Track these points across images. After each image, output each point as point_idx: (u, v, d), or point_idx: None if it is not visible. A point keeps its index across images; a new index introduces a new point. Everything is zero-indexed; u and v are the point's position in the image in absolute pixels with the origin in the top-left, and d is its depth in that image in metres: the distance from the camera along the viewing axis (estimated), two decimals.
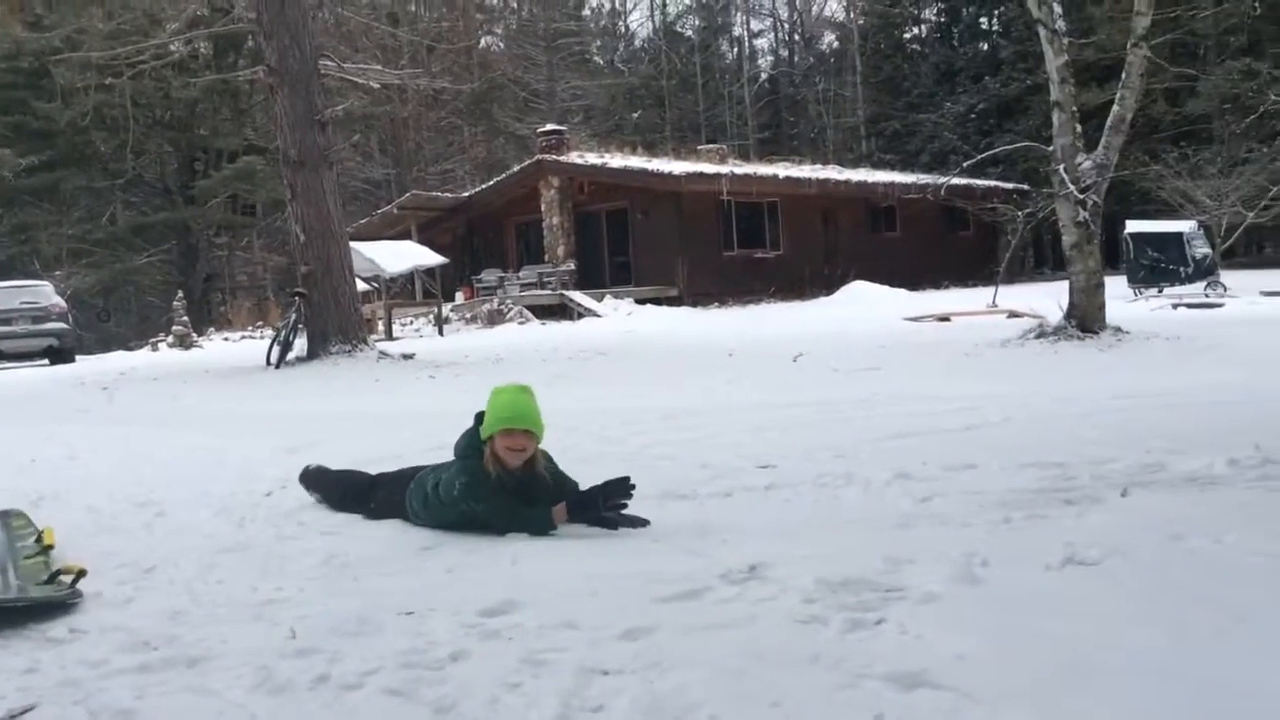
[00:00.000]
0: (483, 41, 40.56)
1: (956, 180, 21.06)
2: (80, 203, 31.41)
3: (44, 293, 20.56)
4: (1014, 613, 2.38)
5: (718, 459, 5.04)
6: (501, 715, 1.99)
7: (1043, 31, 11.77)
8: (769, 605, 2.56)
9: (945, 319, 15.93)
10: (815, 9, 50.60)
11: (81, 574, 3.11)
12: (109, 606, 2.99)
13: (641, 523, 3.62)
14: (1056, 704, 1.89)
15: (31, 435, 8.02)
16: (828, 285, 24.08)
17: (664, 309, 22.13)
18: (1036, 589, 2.58)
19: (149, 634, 2.65)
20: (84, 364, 18.30)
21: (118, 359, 19.77)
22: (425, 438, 6.05)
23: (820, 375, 9.30)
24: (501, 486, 3.67)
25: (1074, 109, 11.76)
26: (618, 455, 5.35)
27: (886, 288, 22.82)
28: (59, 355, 19.31)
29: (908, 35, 43.18)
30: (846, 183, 27.94)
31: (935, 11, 42.22)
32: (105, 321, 31.43)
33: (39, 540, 3.56)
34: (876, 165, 35.18)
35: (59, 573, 3.15)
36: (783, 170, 27.87)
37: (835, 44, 49.39)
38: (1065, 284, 11.89)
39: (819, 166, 31.46)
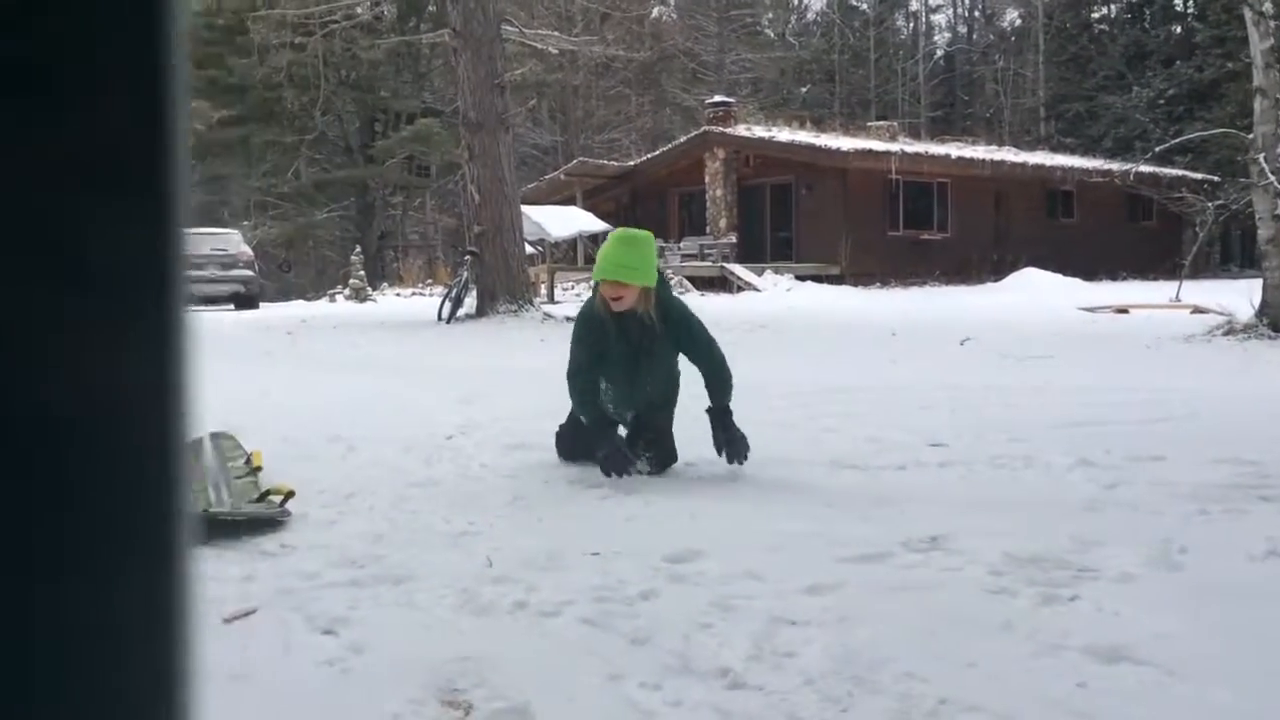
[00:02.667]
0: (655, 11, 40.64)
1: (1143, 167, 20.11)
2: (268, 157, 32.92)
3: (233, 241, 21.71)
4: (1216, 599, 2.32)
5: (886, 434, 5.00)
6: (695, 651, 2.05)
7: (1248, 13, 11.11)
8: (955, 574, 2.56)
9: (1124, 311, 15.29)
10: None
11: (290, 495, 3.32)
12: (315, 527, 3.19)
13: (739, 455, 3.94)
14: (1266, 688, 1.84)
15: (224, 373, 8.54)
16: (997, 270, 23.37)
17: (825, 287, 21.88)
18: (1239, 578, 2.50)
19: (355, 553, 2.82)
20: (267, 311, 19.29)
21: (297, 308, 20.76)
22: None
23: (989, 360, 9.07)
24: (602, 327, 4.07)
25: (1279, 96, 11.09)
26: (781, 424, 5.37)
27: (1060, 276, 21.99)
28: (244, 301, 20.36)
29: (1096, 15, 41.32)
30: (1022, 165, 27.00)
31: None
32: (286, 272, 33.00)
33: (248, 462, 3.81)
34: (1055, 149, 33.84)
35: (268, 493, 3.38)
36: (955, 150, 27.11)
37: (1017, 21, 47.64)
38: (1256, 281, 11.27)
39: (994, 147, 30.47)
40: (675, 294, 4.51)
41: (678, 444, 4.22)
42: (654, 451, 4.13)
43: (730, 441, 4.00)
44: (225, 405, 6.43)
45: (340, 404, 6.33)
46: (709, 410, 4.10)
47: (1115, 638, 2.06)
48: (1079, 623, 2.19)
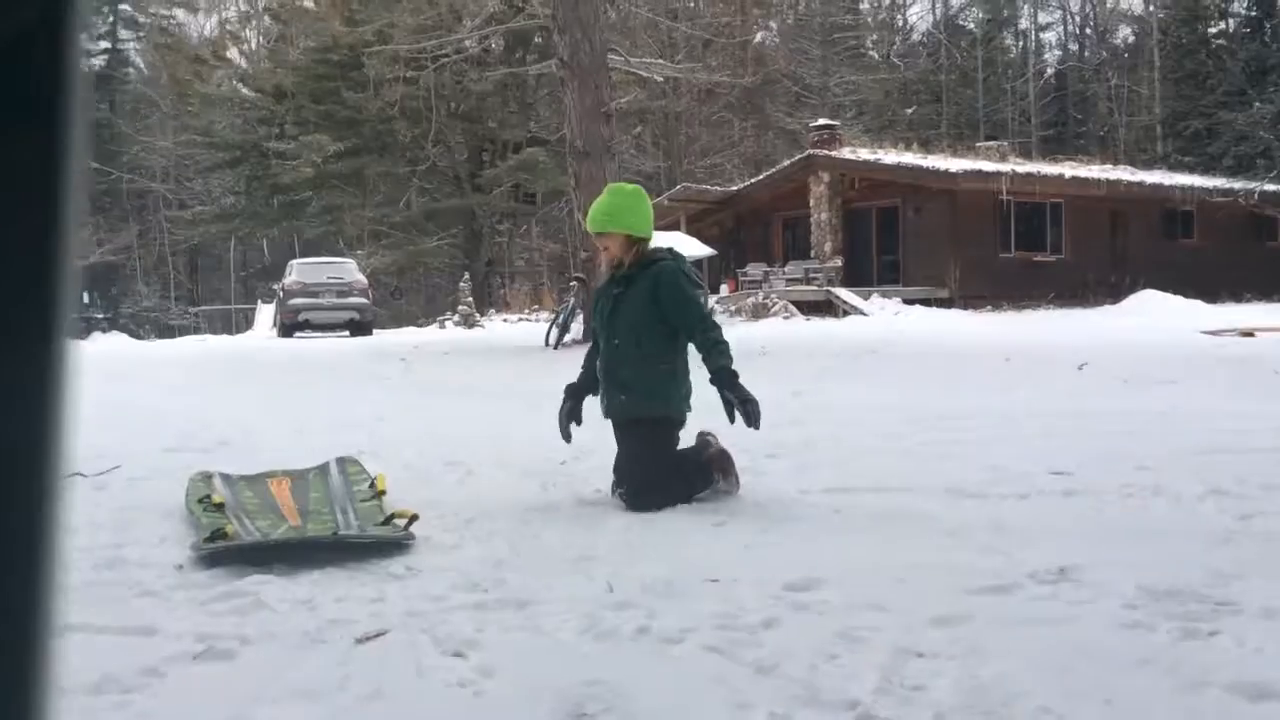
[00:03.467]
0: (759, 36, 40.70)
1: (1268, 186, 19.37)
2: (380, 188, 33.85)
3: (348, 269, 22.35)
4: None
5: (1005, 462, 4.89)
6: (822, 681, 2.04)
7: None
8: (1087, 607, 2.49)
9: (1249, 334, 14.69)
10: (1110, 1, 47.75)
11: (414, 519, 3.40)
12: (438, 550, 3.26)
13: (751, 418, 3.75)
14: None
15: (342, 397, 8.79)
16: (1114, 293, 22.70)
17: (933, 310, 21.53)
18: None
19: (478, 577, 2.88)
20: (380, 337, 19.78)
21: (409, 334, 21.24)
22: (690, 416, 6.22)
23: (1109, 385, 8.82)
24: (599, 293, 4.20)
25: None
26: (896, 451, 5.31)
27: (1180, 298, 21.28)
28: (359, 328, 20.91)
29: (1213, 30, 39.99)
30: (1139, 184, 26.23)
31: (1245, 5, 38.90)
32: (398, 299, 33.82)
33: (372, 486, 3.91)
34: (1173, 167, 32.78)
35: (393, 516, 3.46)
36: (1068, 170, 26.47)
37: (1131, 38, 46.45)
38: None
39: (1108, 166, 29.66)
40: (697, 281, 4.31)
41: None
42: (619, 479, 3.95)
43: (741, 401, 3.76)
44: (344, 430, 6.63)
45: (456, 429, 6.46)
46: (710, 380, 3.85)
47: (1260, 674, 1.98)
48: (1221, 659, 2.12)
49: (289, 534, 3.37)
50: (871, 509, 3.80)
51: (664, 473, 3.83)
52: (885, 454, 5.17)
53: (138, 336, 31.16)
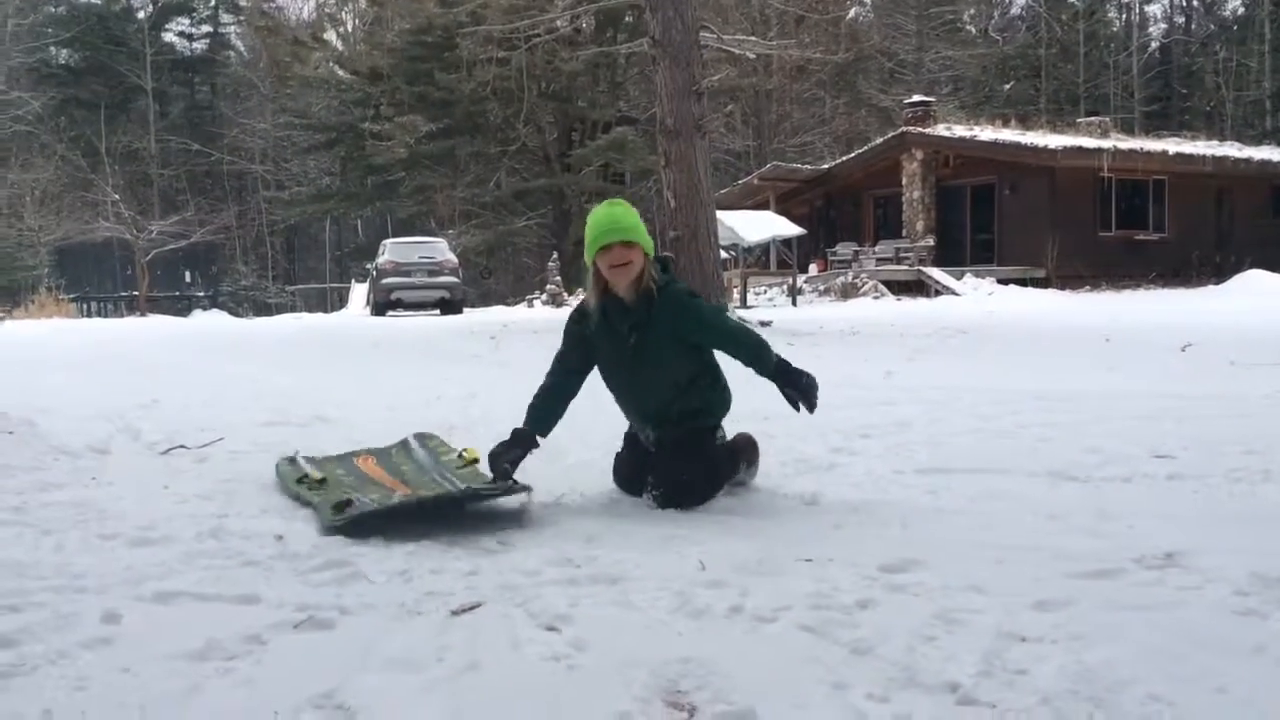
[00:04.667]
0: (852, 11, 40.06)
1: None
2: (471, 168, 34.23)
3: (439, 249, 22.65)
4: None
5: (1106, 444, 4.75)
6: (921, 663, 2.00)
7: None
8: (1195, 593, 2.41)
9: None
10: None
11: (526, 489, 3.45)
12: (531, 526, 3.29)
13: (810, 400, 3.52)
14: None
15: (433, 375, 8.91)
16: (1218, 272, 21.96)
17: (1028, 290, 21.05)
18: None
19: (570, 552, 2.89)
20: (469, 316, 20.02)
21: (497, 313, 21.46)
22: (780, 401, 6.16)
23: (1214, 368, 8.51)
24: (584, 320, 3.65)
25: None
26: (992, 432, 5.19)
27: None
28: (449, 306, 21.20)
29: None
30: (1246, 161, 25.29)
31: None
32: (487, 278, 34.21)
33: (460, 456, 3.93)
34: None
35: (496, 479, 3.50)
36: (1172, 146, 25.61)
37: (1240, 10, 44.65)
38: None
39: (1214, 142, 28.62)
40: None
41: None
42: (657, 480, 3.54)
43: (800, 390, 3.53)
44: (435, 406, 6.71)
45: None
46: (774, 380, 3.58)
47: None
48: None
49: (409, 499, 3.42)
50: (968, 490, 3.72)
51: (706, 473, 3.60)
52: (981, 435, 5.07)
53: (236, 314, 32.01)
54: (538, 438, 3.68)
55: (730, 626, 2.27)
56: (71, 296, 30.34)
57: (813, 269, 25.66)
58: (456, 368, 9.57)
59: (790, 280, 23.11)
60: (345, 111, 37.98)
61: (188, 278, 41.55)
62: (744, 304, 20.62)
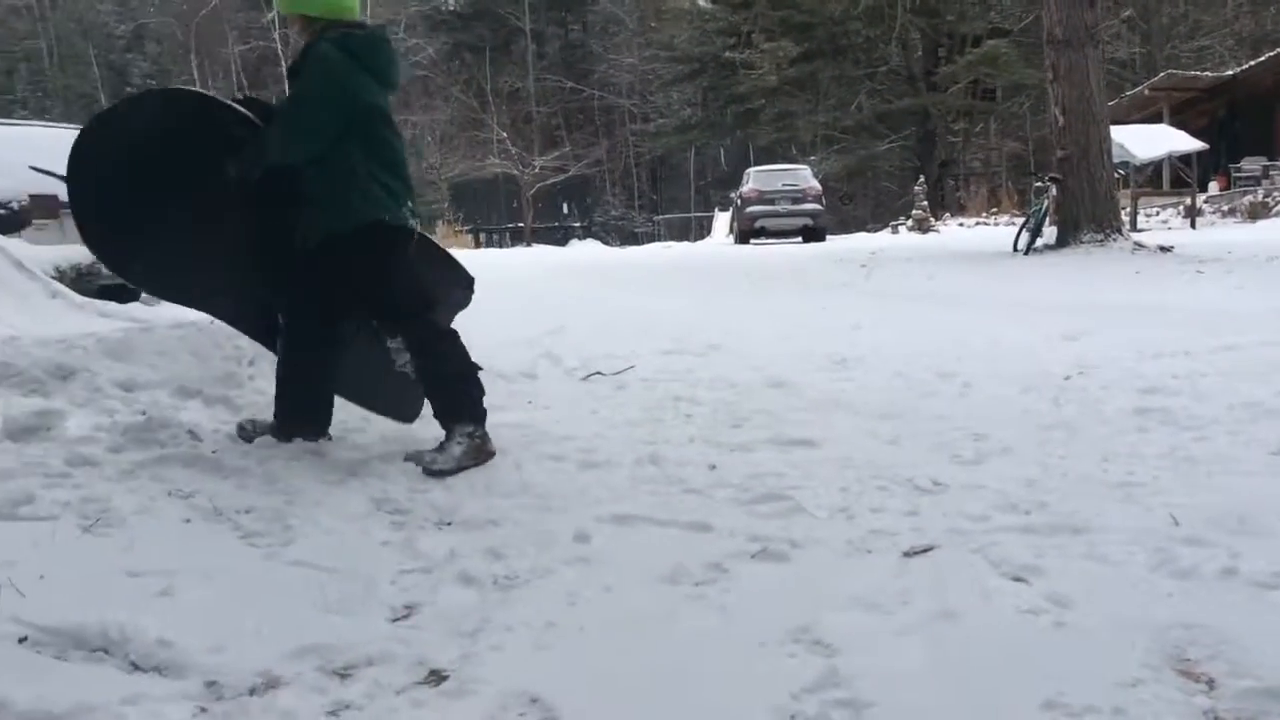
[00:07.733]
0: None
1: None
2: (832, 92, 33.62)
3: (802, 176, 22.51)
4: None
5: None
6: None
7: None
8: None
9: None
10: None
11: None
12: (959, 465, 3.16)
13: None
14: None
15: (811, 304, 8.89)
16: None
17: None
18: None
19: (1014, 497, 2.75)
20: (834, 243, 19.79)
21: (861, 240, 21.08)
22: (1211, 335, 5.58)
23: None
24: None
25: None
26: None
27: None
28: (812, 234, 21.06)
29: None
30: None
31: None
32: (847, 205, 33.70)
33: None
34: None
35: None
36: None
37: None
38: None
39: None
40: None
41: None
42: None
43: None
44: (822, 337, 6.67)
45: (934, 338, 6.26)
46: None
47: None
48: None
49: None
50: None
51: None
52: None
53: (607, 244, 33.60)
54: None
55: (1226, 592, 2.06)
56: (467, 229, 33.05)
57: (1213, 187, 23.16)
58: (832, 297, 9.49)
59: (1189, 200, 21.00)
60: (707, 42, 38.42)
61: (565, 209, 44.04)
62: (1134, 226, 18.99)
